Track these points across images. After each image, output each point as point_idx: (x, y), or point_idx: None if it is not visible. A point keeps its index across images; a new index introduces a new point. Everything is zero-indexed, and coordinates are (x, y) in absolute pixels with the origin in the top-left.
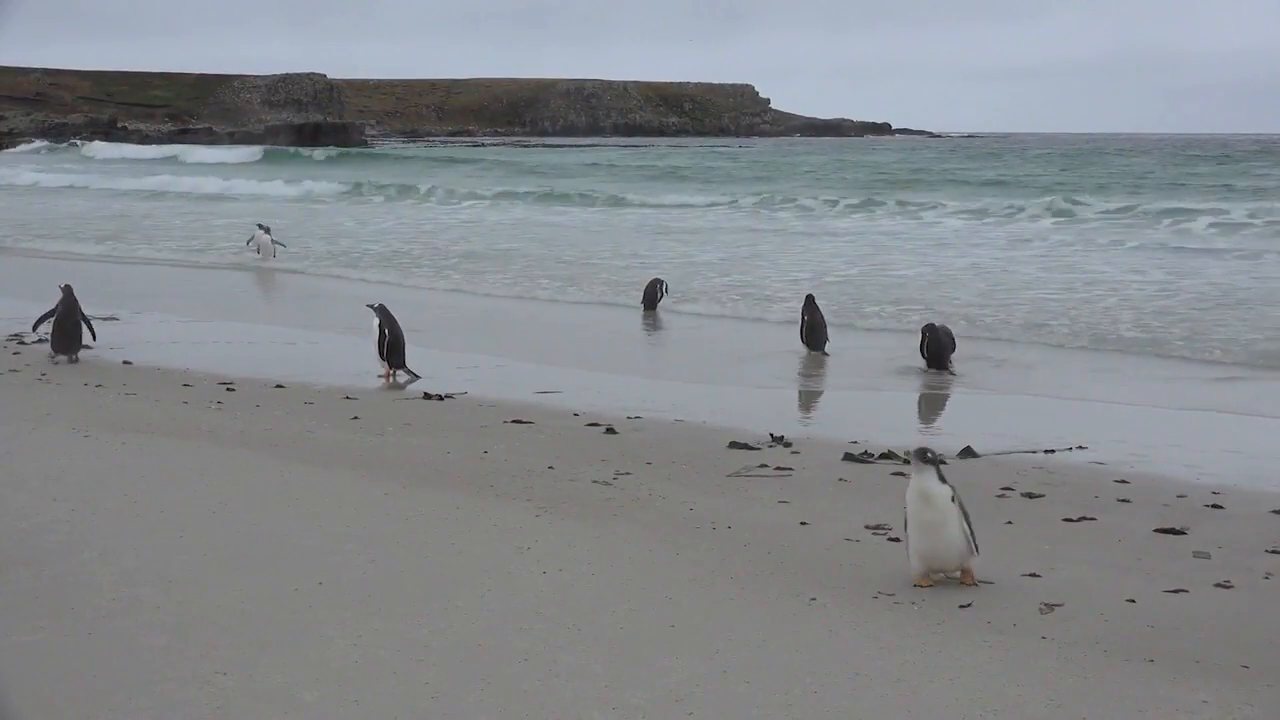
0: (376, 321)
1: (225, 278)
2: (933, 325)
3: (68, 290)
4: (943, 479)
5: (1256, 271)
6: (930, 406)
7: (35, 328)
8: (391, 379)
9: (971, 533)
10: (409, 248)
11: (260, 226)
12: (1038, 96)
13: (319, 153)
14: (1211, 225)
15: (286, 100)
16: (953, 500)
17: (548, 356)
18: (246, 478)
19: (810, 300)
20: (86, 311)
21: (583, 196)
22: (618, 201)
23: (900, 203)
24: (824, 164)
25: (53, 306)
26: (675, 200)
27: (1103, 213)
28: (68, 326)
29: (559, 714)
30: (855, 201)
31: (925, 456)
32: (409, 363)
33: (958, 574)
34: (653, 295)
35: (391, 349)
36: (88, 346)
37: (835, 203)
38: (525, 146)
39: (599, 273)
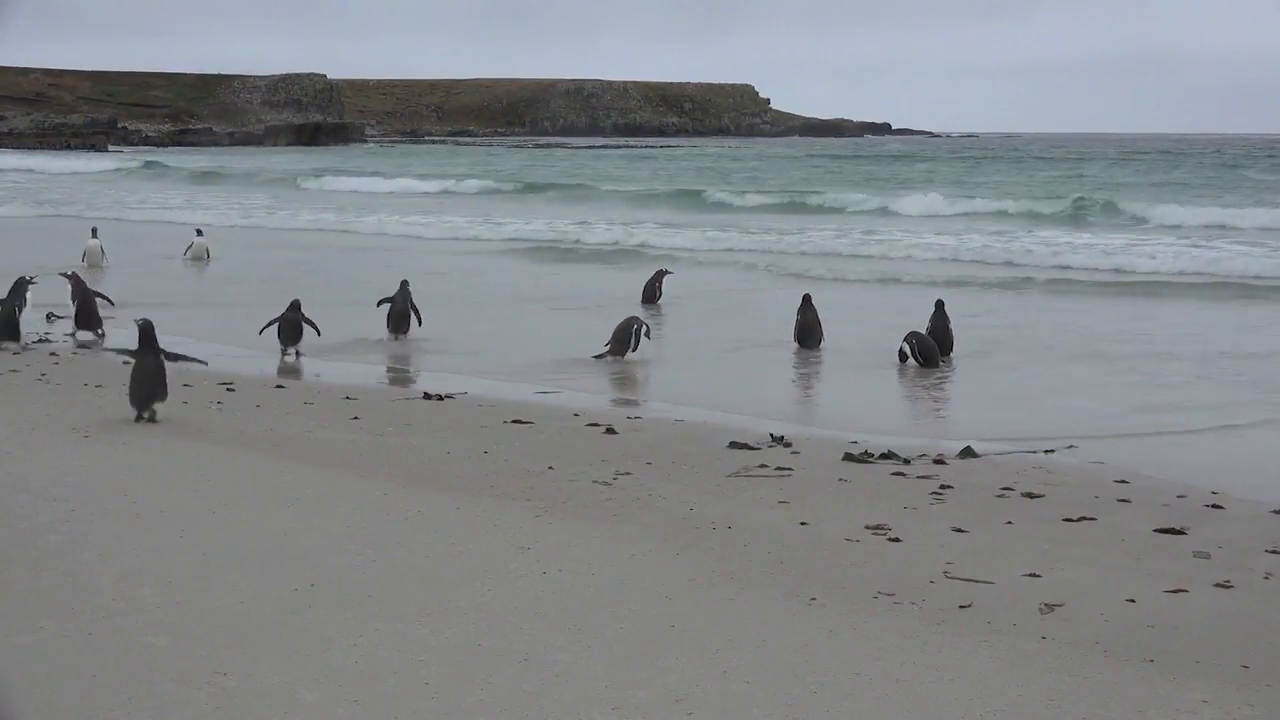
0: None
1: None
2: (916, 332)
3: (295, 305)
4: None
5: None
6: (930, 406)
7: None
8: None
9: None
10: None
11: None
12: (1040, 96)
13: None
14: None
15: (286, 100)
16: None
17: None
18: (246, 478)
19: (806, 299)
20: None
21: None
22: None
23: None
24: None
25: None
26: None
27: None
28: (288, 326)
29: (559, 714)
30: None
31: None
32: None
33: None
34: (651, 290)
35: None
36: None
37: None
38: (520, 147)
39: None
